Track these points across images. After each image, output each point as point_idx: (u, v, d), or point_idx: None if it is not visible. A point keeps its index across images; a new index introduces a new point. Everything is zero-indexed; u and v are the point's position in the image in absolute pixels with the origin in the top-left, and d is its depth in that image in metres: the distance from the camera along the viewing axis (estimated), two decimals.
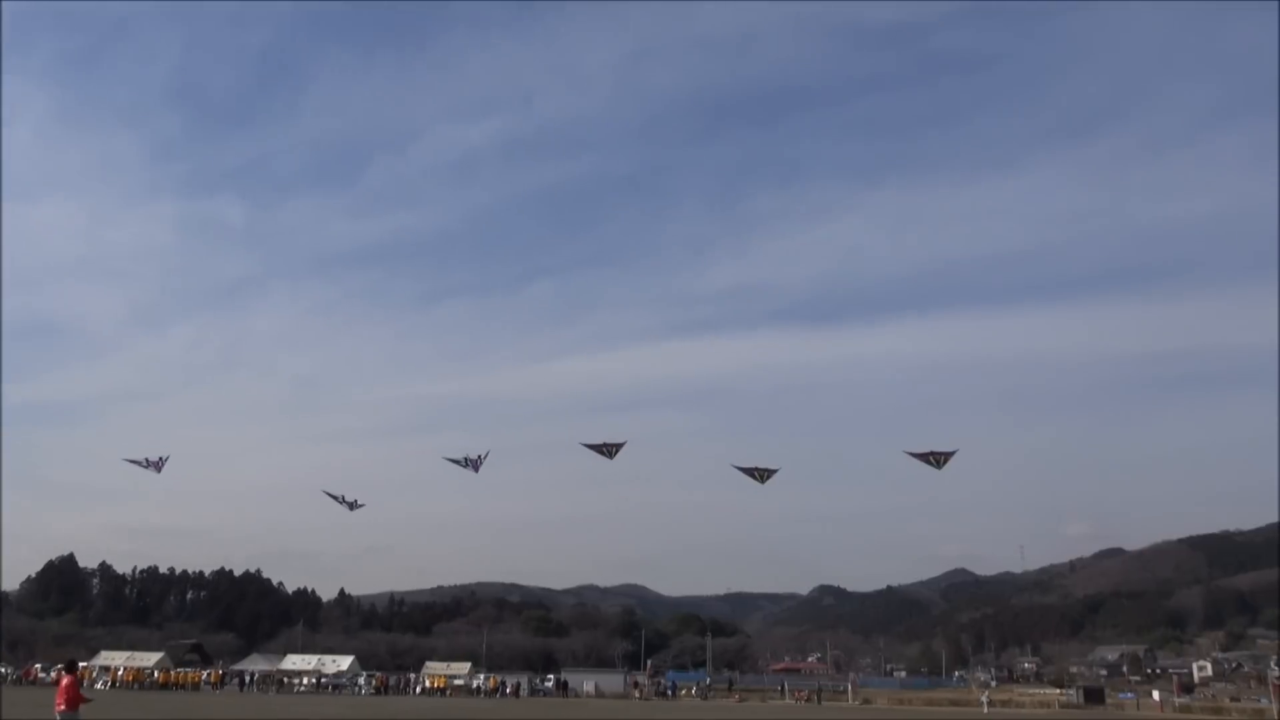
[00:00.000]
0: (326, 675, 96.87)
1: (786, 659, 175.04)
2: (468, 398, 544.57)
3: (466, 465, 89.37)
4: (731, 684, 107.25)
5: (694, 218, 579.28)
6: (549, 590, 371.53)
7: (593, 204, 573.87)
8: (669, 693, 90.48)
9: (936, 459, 65.79)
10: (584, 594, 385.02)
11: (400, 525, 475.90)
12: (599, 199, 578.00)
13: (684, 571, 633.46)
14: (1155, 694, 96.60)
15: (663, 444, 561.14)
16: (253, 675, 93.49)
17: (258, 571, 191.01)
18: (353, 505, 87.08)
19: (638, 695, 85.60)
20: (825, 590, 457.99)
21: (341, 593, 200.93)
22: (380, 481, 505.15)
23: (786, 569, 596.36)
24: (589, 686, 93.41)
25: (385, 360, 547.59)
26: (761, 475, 68.72)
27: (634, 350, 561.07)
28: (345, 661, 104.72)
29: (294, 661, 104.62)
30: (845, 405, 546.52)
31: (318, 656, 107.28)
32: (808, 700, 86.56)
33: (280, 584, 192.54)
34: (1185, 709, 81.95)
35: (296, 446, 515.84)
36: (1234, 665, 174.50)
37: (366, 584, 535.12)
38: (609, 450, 71.54)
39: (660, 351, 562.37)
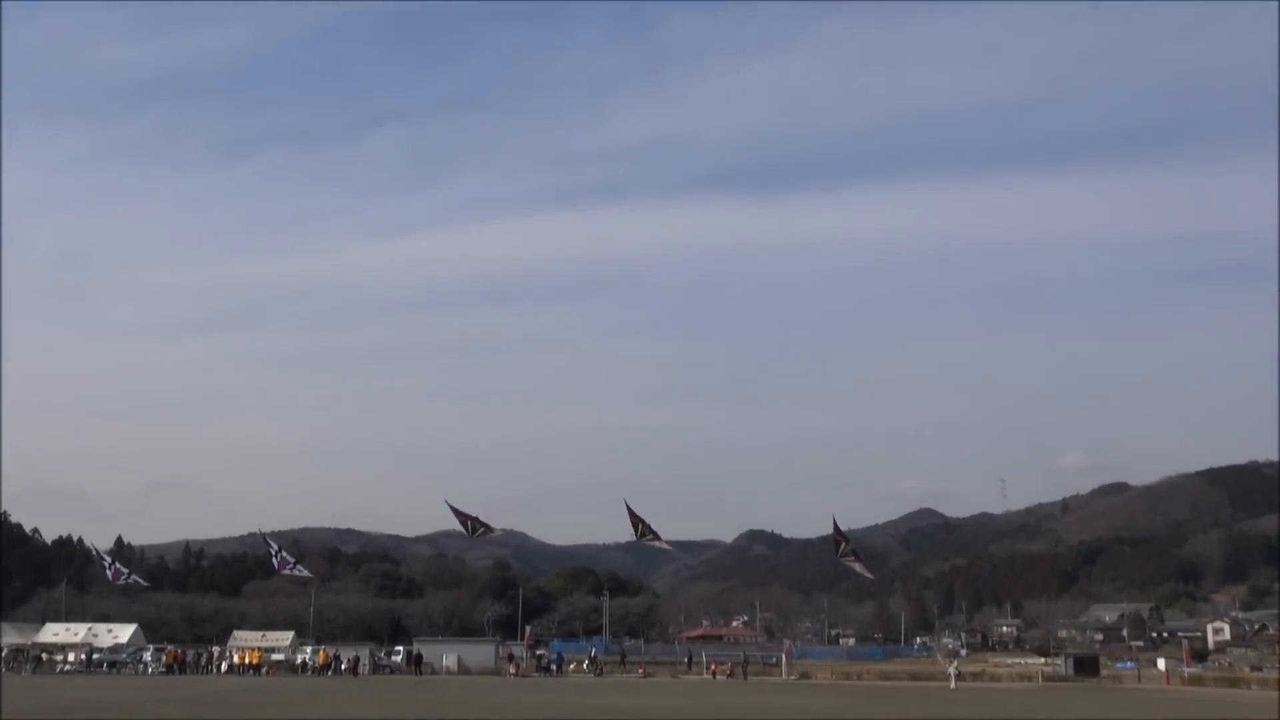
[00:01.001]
0: (100, 650, 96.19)
1: (705, 623, 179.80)
2: (288, 283, 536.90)
3: (275, 556, 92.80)
4: (624, 656, 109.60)
5: (594, 48, 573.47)
6: (397, 538, 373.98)
7: (459, 26, 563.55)
8: (553, 668, 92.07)
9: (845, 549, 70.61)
10: (443, 542, 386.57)
11: (199, 452, 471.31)
12: (467, 19, 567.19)
13: (574, 514, 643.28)
14: (1161, 663, 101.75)
15: (550, 347, 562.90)
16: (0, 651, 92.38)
17: (3, 515, 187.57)
18: (124, 580, 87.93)
19: (513, 672, 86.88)
20: (755, 537, 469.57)
21: (119, 542, 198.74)
22: (173, 394, 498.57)
23: (706, 510, 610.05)
24: (450, 661, 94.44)
25: (177, 232, 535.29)
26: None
27: (513, 223, 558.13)
28: (125, 632, 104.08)
29: (56, 632, 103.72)
30: (787, 299, 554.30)
31: (88, 625, 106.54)
32: (730, 675, 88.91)
33: (35, 531, 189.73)
34: (1196, 680, 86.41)
35: (57, 347, 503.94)
36: (1256, 627, 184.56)
37: (153, 530, 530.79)
38: (474, 526, 75.91)
39: (548, 225, 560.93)
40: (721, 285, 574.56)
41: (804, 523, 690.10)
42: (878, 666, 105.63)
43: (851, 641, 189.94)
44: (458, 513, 78.59)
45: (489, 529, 78.67)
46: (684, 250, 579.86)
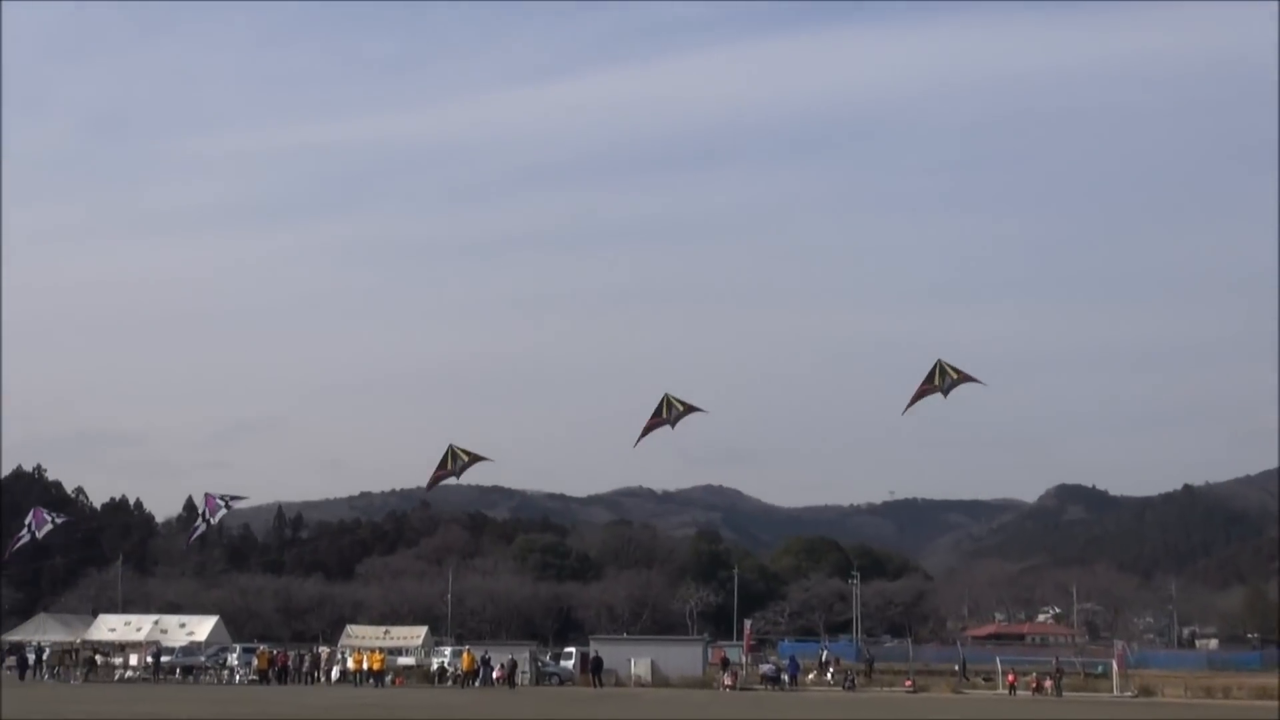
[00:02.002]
0: (172, 650, 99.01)
1: (999, 617, 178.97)
2: (400, 148, 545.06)
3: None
4: (871, 662, 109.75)
5: None
6: (563, 498, 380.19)
7: None
8: (786, 680, 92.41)
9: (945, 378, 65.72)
10: (627, 505, 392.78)
11: (293, 384, 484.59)
12: None
13: (808, 465, 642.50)
14: None
15: (769, 228, 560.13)
16: (40, 652, 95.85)
17: (37, 470, 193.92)
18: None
19: (728, 684, 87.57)
20: (1068, 494, 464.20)
21: (190, 505, 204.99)
22: (254, 304, 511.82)
23: (998, 458, 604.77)
24: (640, 668, 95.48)
25: (249, 81, 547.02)
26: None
27: (710, 53, 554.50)
28: (204, 626, 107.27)
29: (111, 627, 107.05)
30: (1118, 148, 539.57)
31: (154, 618, 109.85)
32: (1036, 689, 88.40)
33: (79, 491, 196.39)
34: None
35: (93, 241, 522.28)
36: None
37: (234, 490, 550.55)
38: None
39: (760, 54, 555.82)
40: (1020, 132, 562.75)
41: (1140, 475, 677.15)
42: (1254, 680, 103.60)
43: (1213, 644, 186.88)
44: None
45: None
46: (963, 83, 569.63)
